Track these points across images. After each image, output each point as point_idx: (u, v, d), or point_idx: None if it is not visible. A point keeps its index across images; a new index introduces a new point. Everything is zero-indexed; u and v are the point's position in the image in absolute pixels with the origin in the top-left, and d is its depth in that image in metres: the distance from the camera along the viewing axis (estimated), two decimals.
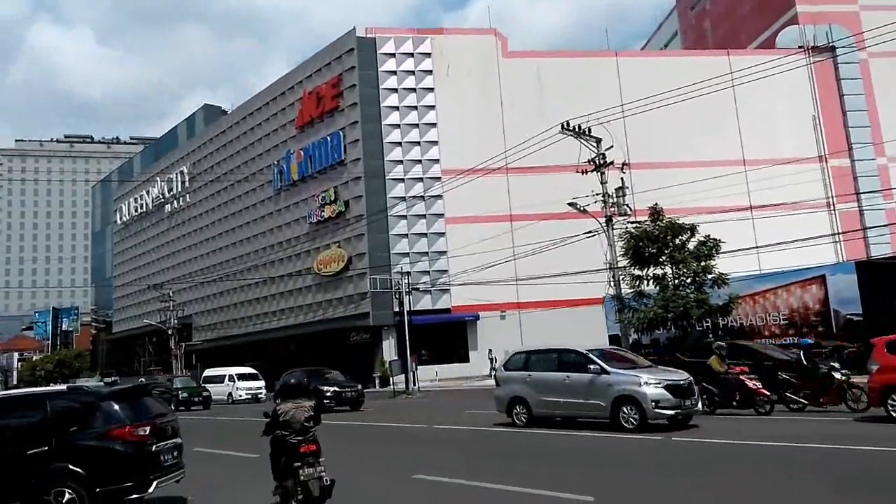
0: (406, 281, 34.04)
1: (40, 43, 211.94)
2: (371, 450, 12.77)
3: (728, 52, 43.54)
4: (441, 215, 40.49)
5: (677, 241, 22.28)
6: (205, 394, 30.02)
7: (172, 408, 22.05)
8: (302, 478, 6.53)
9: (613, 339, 26.73)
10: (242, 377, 34.97)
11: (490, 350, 38.27)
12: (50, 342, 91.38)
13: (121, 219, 69.00)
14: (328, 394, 22.55)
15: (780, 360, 17.32)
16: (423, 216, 40.52)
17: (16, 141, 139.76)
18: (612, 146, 24.52)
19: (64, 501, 7.40)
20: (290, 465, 6.62)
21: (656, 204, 23.24)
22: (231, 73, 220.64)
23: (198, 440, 14.05)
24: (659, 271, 22.64)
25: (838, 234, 36.50)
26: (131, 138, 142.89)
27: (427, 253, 40.16)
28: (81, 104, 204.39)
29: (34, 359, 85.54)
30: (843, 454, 9.28)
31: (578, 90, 39.62)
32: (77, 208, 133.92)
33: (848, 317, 21.97)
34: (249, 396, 33.86)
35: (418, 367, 33.72)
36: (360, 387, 24.45)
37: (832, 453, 9.33)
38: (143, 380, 37.20)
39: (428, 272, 39.76)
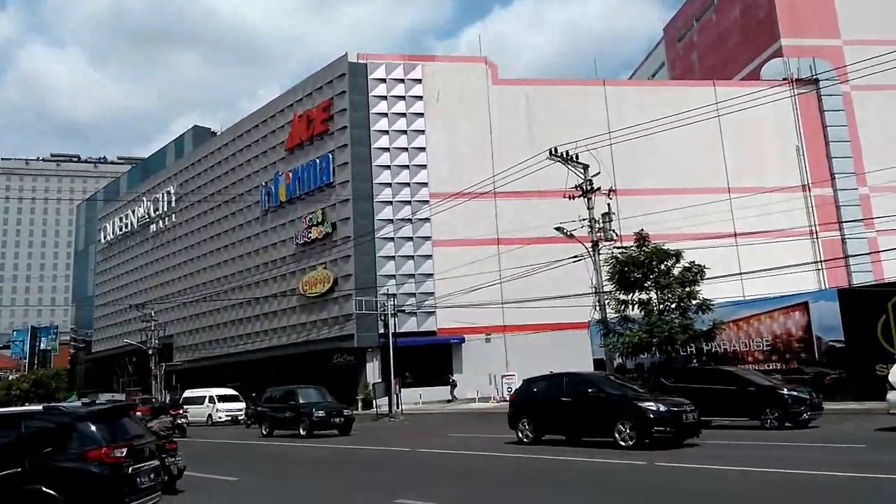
0: (392, 303, 33.91)
1: (31, 63, 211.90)
2: (354, 474, 12.62)
3: (714, 82, 44.36)
4: (428, 238, 40.57)
5: (662, 266, 22.46)
6: (346, 413, 22.30)
7: (303, 432, 21.19)
8: (166, 463, 10.24)
9: (598, 364, 26.76)
10: (223, 398, 34.52)
11: (451, 377, 38.56)
12: (27, 361, 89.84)
13: (105, 238, 68.46)
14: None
15: (762, 385, 17.41)
16: (411, 239, 40.59)
17: (2, 159, 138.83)
18: (598, 172, 24.82)
19: None
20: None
21: (642, 230, 23.46)
22: (222, 97, 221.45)
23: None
24: (644, 296, 22.79)
25: (821, 261, 36.95)
26: (119, 158, 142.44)
27: (413, 275, 40.13)
28: (70, 124, 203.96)
29: (10, 378, 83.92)
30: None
31: (567, 117, 40.13)
32: (61, 227, 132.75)
33: (830, 344, 22.15)
34: (229, 418, 33.40)
35: (402, 390, 33.48)
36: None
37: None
38: (168, 397, 36.65)
39: (414, 294, 39.69)
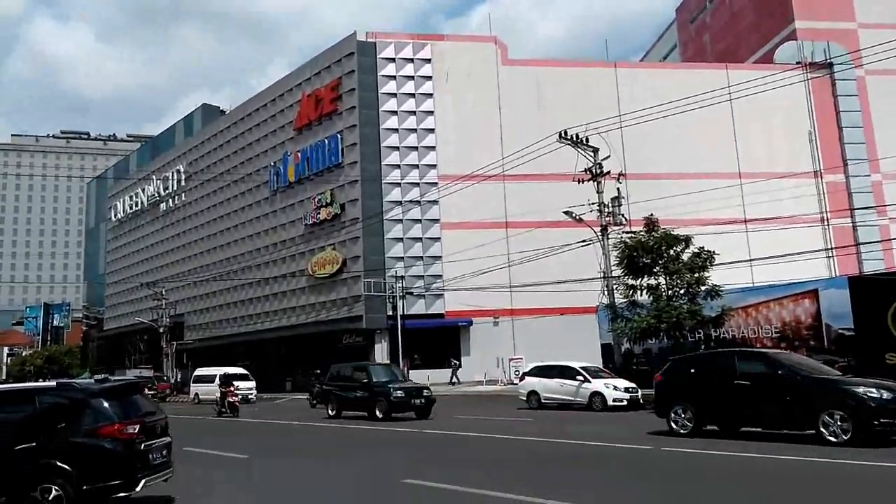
0: (400, 285, 34.05)
1: (39, 39, 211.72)
2: (360, 451, 12.73)
3: (727, 65, 43.80)
4: (437, 220, 40.51)
5: (671, 252, 22.28)
6: (426, 393, 19.72)
7: (380, 414, 18.65)
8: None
9: (606, 349, 26.76)
10: (233, 377, 34.79)
11: (453, 360, 38.24)
12: (40, 338, 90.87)
13: (115, 216, 68.76)
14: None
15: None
16: (419, 221, 40.55)
17: (12, 136, 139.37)
18: (608, 156, 24.68)
19: (50, 498, 7.34)
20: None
21: (651, 214, 23.27)
22: (232, 75, 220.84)
23: (188, 440, 14.00)
24: (653, 281, 22.64)
25: (832, 249, 36.70)
26: (128, 136, 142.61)
27: (422, 257, 40.16)
28: (79, 101, 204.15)
29: (24, 354, 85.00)
30: None
31: (577, 100, 39.78)
32: (71, 205, 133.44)
33: (839, 331, 22.03)
34: (240, 397, 33.69)
35: (410, 372, 33.68)
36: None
37: None
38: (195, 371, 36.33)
39: (422, 277, 39.75)
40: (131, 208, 65.77)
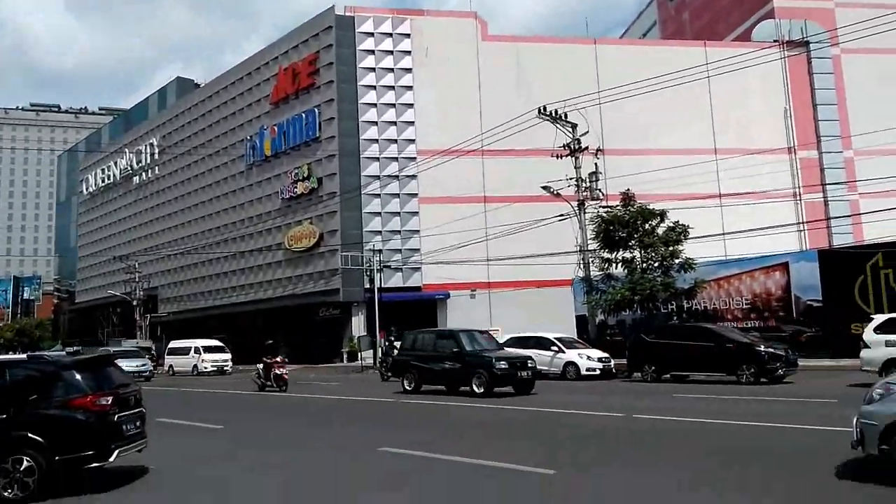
0: (377, 258, 33.93)
1: (8, 9, 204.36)
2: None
3: (705, 43, 43.85)
4: (415, 195, 40.33)
5: (647, 226, 22.64)
6: (531, 364, 17.08)
7: (479, 389, 15.52)
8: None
9: (581, 320, 27.10)
10: (208, 349, 34.69)
11: (391, 328, 33.10)
12: (10, 311, 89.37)
13: (87, 189, 67.39)
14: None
15: (739, 342, 17.75)
16: (397, 195, 40.34)
17: None
18: (587, 132, 24.73)
19: (22, 469, 7.27)
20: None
21: (628, 189, 23.53)
22: (207, 50, 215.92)
23: (162, 410, 13.92)
24: (628, 255, 23.00)
25: (803, 223, 37.33)
26: (100, 109, 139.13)
27: (399, 232, 40.04)
28: (50, 74, 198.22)
29: None
30: None
31: (556, 76, 39.58)
32: (42, 178, 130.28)
33: (808, 303, 22.57)
34: (215, 369, 33.65)
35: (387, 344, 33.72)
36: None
37: None
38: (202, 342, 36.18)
39: (400, 250, 39.66)
40: (103, 181, 64.49)
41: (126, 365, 20.71)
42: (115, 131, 70.14)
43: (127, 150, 60.67)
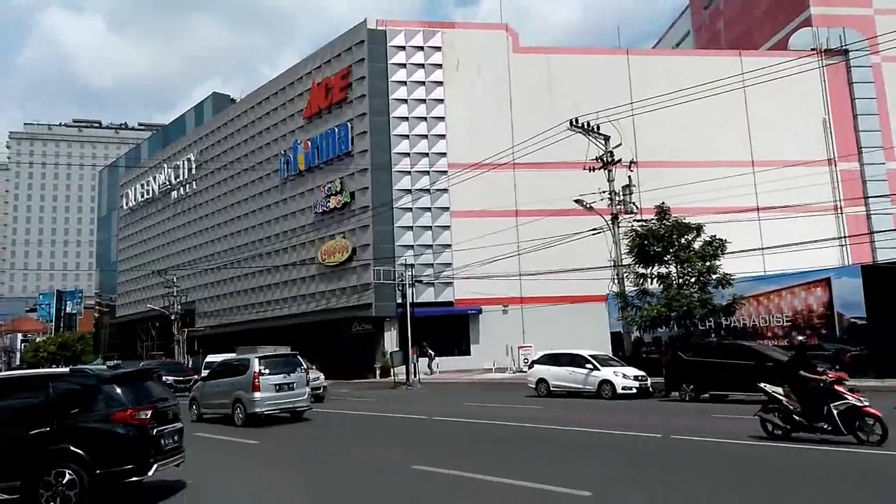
0: (409, 273, 34.05)
1: (52, 27, 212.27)
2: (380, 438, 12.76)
3: (740, 52, 43.26)
4: (446, 209, 40.44)
5: (683, 240, 22.30)
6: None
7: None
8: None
9: (615, 337, 26.76)
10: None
11: (426, 346, 36.81)
12: (53, 324, 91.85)
13: (127, 204, 69.15)
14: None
15: (780, 360, 17.30)
16: (429, 209, 40.50)
17: (25, 124, 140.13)
18: (620, 144, 24.55)
19: (64, 482, 7.43)
20: None
21: (663, 203, 23.24)
22: (243, 65, 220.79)
23: (197, 425, 14.10)
24: (663, 270, 22.68)
25: (845, 237, 36.32)
26: (139, 124, 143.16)
27: (431, 246, 40.15)
28: (91, 90, 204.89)
29: (37, 340, 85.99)
30: None
31: (588, 87, 39.44)
32: (83, 192, 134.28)
33: (852, 320, 21.89)
34: None
35: (419, 359, 33.77)
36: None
37: None
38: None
39: (432, 265, 39.74)
40: (142, 196, 66.10)
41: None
42: (154, 147, 71.90)
43: (165, 165, 62.19)
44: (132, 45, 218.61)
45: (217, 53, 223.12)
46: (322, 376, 23.15)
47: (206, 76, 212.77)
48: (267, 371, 15.96)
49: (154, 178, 64.05)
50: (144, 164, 67.92)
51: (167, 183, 61.74)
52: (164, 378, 17.66)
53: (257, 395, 15.42)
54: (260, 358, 16.34)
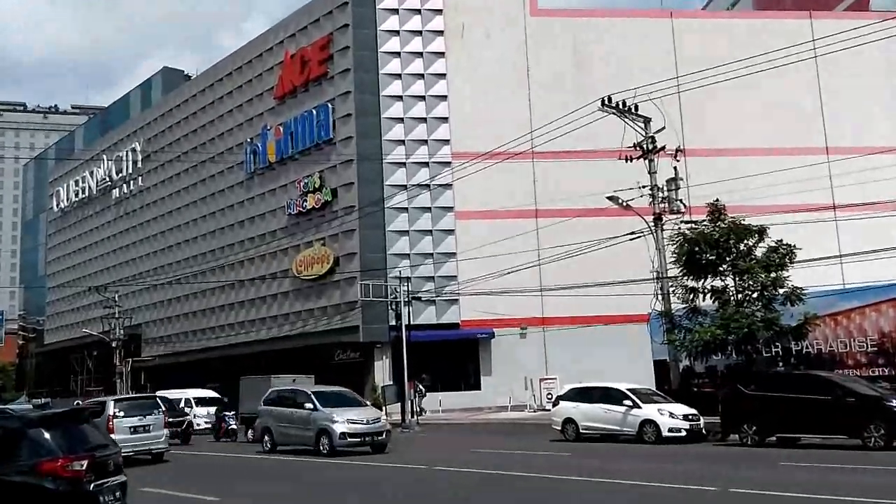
0: (405, 288, 34.04)
1: None
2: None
3: (811, 13, 43.34)
4: (450, 208, 40.51)
5: (742, 246, 22.28)
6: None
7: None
8: None
9: (660, 366, 26.70)
10: (201, 402, 35.06)
11: (423, 378, 35.39)
12: None
13: (58, 205, 69.49)
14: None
15: (864, 395, 17.24)
16: (428, 209, 40.59)
17: None
18: (663, 128, 24.57)
19: None
20: None
21: (717, 200, 23.24)
22: (199, 32, 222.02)
23: (147, 478, 14.12)
24: (718, 283, 22.65)
25: None
26: (73, 107, 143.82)
27: (432, 254, 40.20)
28: (11, 65, 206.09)
29: None
30: None
31: (624, 58, 39.54)
32: (4, 191, 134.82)
33: None
34: (210, 425, 33.91)
35: (416, 396, 33.71)
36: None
37: None
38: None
39: (432, 278, 39.77)
40: (77, 196, 66.43)
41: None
42: (91, 135, 72.38)
43: (105, 156, 62.51)
44: (62, 10, 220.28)
45: (168, 19, 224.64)
46: (383, 417, 22.21)
47: (155, 47, 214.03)
48: (122, 413, 19.20)
49: (91, 172, 64.42)
50: (79, 156, 68.32)
51: (107, 179, 62.06)
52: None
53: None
54: (115, 400, 20.02)
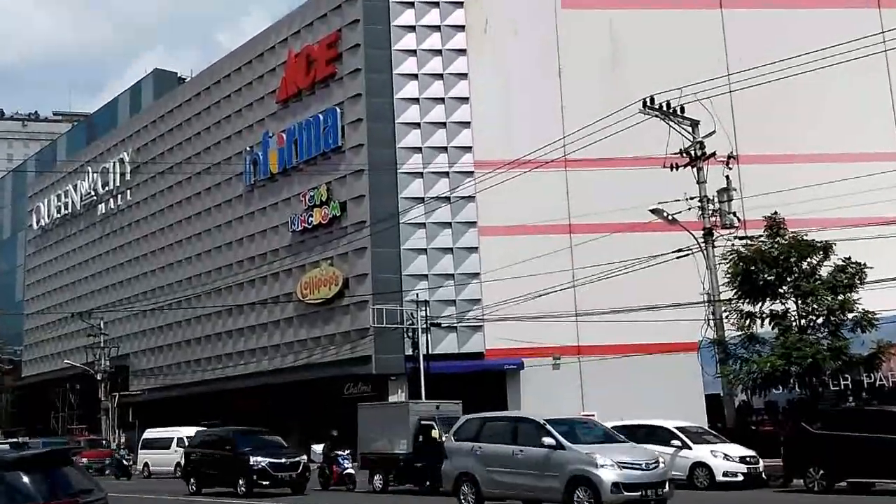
0: (423, 313, 34.14)
1: None
2: None
3: (879, 2, 43.12)
4: (473, 224, 40.52)
5: (805, 265, 22.22)
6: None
7: None
8: None
9: (712, 401, 26.53)
10: None
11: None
12: None
13: (37, 222, 70.20)
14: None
15: None
16: (449, 224, 40.61)
17: None
18: (713, 131, 24.51)
19: None
20: None
21: (775, 212, 23.17)
22: (194, 30, 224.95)
23: None
24: (778, 307, 22.55)
25: None
26: (55, 114, 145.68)
27: (453, 275, 40.17)
28: None
29: None
30: None
31: (667, 54, 39.42)
32: None
33: None
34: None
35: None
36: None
37: None
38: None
39: (453, 302, 39.72)
40: (59, 212, 67.10)
41: None
42: (75, 144, 73.17)
43: (90, 168, 63.16)
44: (42, 4, 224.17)
45: (159, 15, 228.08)
46: (661, 459, 17.09)
47: (145, 47, 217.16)
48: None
49: (75, 186, 65.12)
50: (61, 169, 69.10)
51: (92, 193, 62.73)
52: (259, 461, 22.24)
53: None
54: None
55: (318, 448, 28.29)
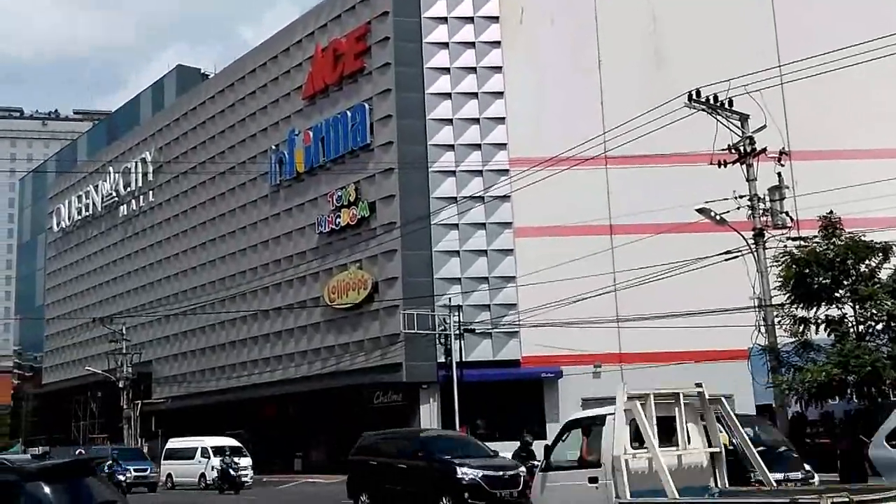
0: (456, 319, 34.10)
1: None
2: None
3: None
4: (508, 224, 40.47)
5: (863, 267, 22.06)
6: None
7: None
8: None
9: (763, 410, 26.27)
10: (220, 451, 35.58)
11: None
12: None
13: (58, 224, 71.23)
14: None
15: None
16: (483, 225, 40.58)
17: None
18: (764, 126, 24.25)
19: None
20: None
21: (831, 212, 22.99)
22: (218, 25, 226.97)
23: None
24: (835, 312, 22.40)
25: None
26: (75, 113, 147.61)
27: (487, 279, 40.14)
28: (6, 66, 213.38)
29: None
30: None
31: (715, 42, 39.10)
32: None
33: None
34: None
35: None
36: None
37: None
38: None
39: (488, 307, 39.67)
40: (80, 213, 68.05)
41: None
42: (96, 144, 74.12)
43: (111, 168, 64.00)
44: (63, 5, 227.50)
45: (182, 10, 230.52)
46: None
47: (168, 42, 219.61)
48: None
49: (96, 187, 65.97)
50: (82, 169, 70.02)
51: (113, 194, 63.52)
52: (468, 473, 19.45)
53: None
54: None
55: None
